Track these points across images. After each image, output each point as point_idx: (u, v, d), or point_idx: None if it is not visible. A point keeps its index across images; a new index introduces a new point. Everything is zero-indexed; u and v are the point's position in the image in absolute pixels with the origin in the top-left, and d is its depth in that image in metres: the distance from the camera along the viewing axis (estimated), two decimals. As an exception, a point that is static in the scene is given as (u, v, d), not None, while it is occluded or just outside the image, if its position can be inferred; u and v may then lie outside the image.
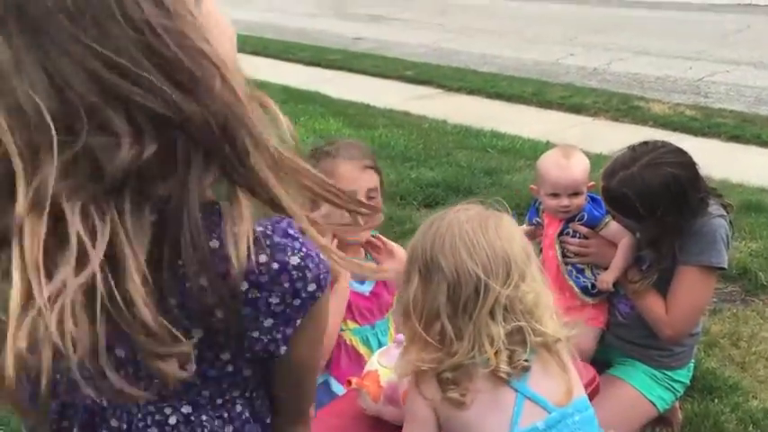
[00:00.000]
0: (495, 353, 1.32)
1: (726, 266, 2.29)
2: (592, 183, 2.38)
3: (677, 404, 2.64)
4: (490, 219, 1.39)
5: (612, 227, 2.39)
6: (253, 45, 10.99)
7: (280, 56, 10.47)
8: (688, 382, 2.52)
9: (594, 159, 6.21)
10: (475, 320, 1.32)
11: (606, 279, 2.35)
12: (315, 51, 10.68)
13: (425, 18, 12.91)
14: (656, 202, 2.16)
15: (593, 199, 2.40)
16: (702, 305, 2.39)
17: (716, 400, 2.73)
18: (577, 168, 2.33)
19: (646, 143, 2.28)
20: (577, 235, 2.41)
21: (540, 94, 8.71)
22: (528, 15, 12.76)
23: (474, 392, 1.34)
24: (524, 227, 2.61)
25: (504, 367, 1.33)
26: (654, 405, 2.44)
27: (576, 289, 2.42)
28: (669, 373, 2.46)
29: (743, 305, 3.37)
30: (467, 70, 9.50)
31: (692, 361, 2.52)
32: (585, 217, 2.39)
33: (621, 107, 8.18)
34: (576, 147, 2.40)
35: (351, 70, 9.78)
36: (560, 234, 2.42)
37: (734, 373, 2.90)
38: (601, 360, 2.49)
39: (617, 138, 7.77)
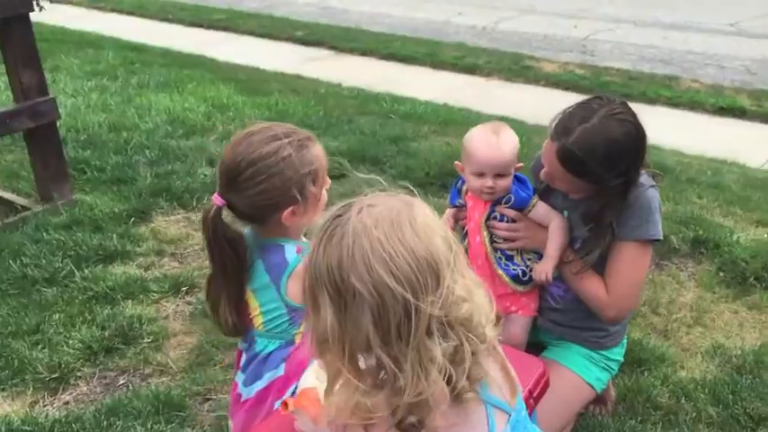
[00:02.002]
0: (448, 378, 1.09)
1: (662, 237, 2.19)
2: (520, 164, 2.20)
3: (610, 381, 2.55)
4: (402, 215, 1.09)
5: (540, 208, 2.21)
6: (129, 5, 10.20)
7: (157, 16, 9.76)
8: (622, 358, 2.43)
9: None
10: (413, 345, 1.07)
11: (544, 269, 2.18)
12: (196, 11, 10.01)
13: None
14: (623, 154, 1.97)
15: (518, 179, 2.22)
16: (642, 280, 2.28)
17: (645, 373, 2.67)
18: (507, 147, 2.12)
19: (598, 97, 2.10)
20: (505, 219, 2.24)
21: (433, 54, 8.54)
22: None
23: (447, 428, 1.13)
24: (447, 211, 2.42)
25: (465, 386, 1.11)
26: (593, 387, 2.32)
27: (506, 278, 2.25)
28: (605, 353, 2.35)
29: (658, 270, 3.35)
30: (358, 30, 9.18)
31: (626, 336, 2.43)
32: (512, 199, 2.19)
33: (513, 67, 8.15)
34: (506, 123, 2.20)
35: (236, 31, 9.24)
36: (487, 219, 2.24)
37: (658, 342, 2.86)
38: (532, 341, 2.36)
39: (511, 97, 7.78)
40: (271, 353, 1.78)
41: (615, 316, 2.21)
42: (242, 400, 1.84)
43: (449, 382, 1.09)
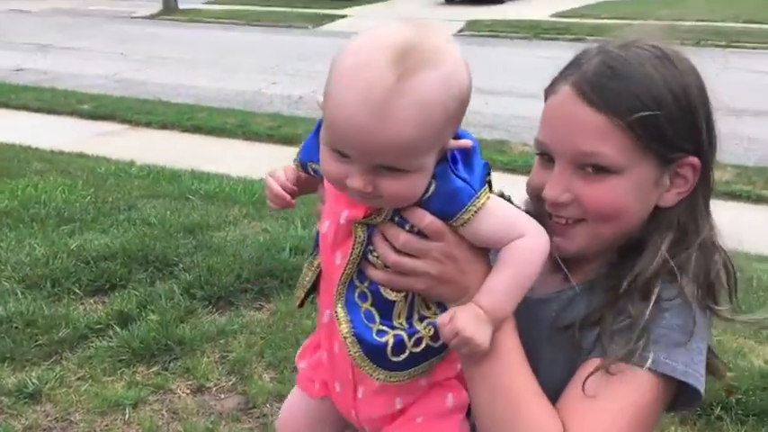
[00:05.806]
0: None
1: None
2: (463, 141, 0.84)
3: None
4: None
5: (493, 215, 0.85)
6: None
7: None
8: None
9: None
10: None
11: (463, 320, 0.83)
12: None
13: (103, 47, 10.82)
14: (693, 90, 0.90)
15: (455, 154, 0.85)
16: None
17: None
18: (411, 113, 0.75)
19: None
20: (407, 225, 0.86)
21: (245, 125, 7.32)
22: (224, 44, 11.36)
23: None
24: (284, 169, 0.96)
25: None
26: None
27: (355, 350, 0.89)
28: None
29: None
30: (156, 102, 7.75)
31: None
32: (432, 190, 0.83)
33: (335, 136, 7.12)
34: (446, 35, 0.79)
35: (8, 106, 7.45)
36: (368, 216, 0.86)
37: None
38: None
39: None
40: None
41: None
42: None
43: None
